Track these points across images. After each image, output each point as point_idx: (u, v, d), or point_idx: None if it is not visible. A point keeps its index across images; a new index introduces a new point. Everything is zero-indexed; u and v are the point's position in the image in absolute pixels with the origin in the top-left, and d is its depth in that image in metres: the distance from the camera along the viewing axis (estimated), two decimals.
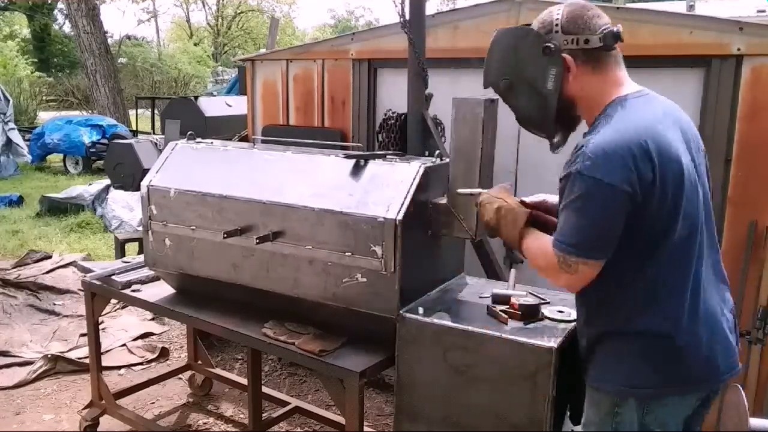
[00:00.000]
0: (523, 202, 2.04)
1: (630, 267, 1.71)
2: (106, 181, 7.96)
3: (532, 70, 1.82)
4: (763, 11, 4.66)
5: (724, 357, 1.76)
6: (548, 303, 2.30)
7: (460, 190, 2.29)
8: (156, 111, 13.01)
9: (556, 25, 1.77)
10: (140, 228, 3.73)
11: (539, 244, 1.86)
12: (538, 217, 1.99)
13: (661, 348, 1.71)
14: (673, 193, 1.65)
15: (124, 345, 4.60)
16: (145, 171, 3.11)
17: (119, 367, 4.33)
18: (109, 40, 18.60)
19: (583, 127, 1.87)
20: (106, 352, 4.31)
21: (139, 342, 4.67)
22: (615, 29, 1.75)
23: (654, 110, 1.75)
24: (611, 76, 1.79)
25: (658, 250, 1.69)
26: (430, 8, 3.30)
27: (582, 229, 1.67)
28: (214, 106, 8.16)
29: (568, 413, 2.38)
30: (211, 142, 3.03)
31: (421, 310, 2.29)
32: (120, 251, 5.31)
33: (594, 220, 1.65)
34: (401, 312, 2.27)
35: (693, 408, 1.79)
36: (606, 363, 1.79)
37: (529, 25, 1.88)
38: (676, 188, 1.66)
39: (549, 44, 1.77)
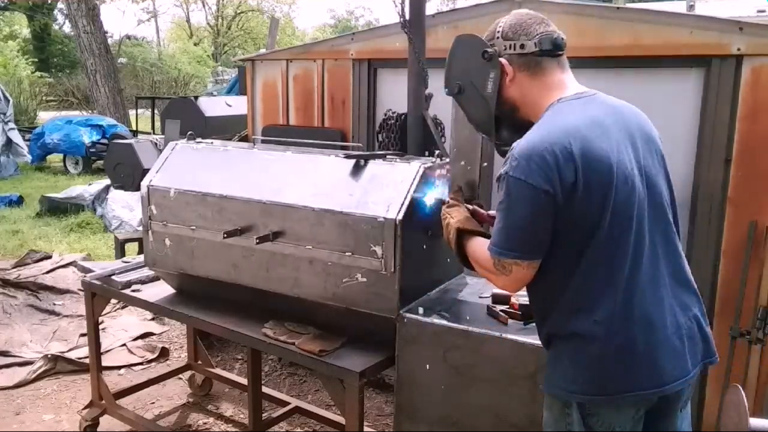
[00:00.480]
0: (475, 211, 2.12)
1: (562, 269, 1.72)
2: (106, 181, 7.96)
3: (476, 74, 1.89)
4: (763, 11, 4.66)
5: (670, 362, 1.70)
6: None
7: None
8: (156, 111, 13.01)
9: (498, 32, 1.86)
10: (140, 228, 3.73)
11: (476, 248, 1.90)
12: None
13: (593, 351, 1.68)
14: (600, 194, 1.65)
15: (124, 345, 4.60)
16: (145, 171, 3.11)
17: (119, 367, 4.33)
18: (109, 40, 18.60)
19: None
20: (106, 352, 4.31)
21: (139, 342, 4.67)
22: (555, 35, 1.82)
23: (588, 112, 1.76)
24: (550, 81, 1.82)
25: (586, 251, 1.68)
26: (430, 8, 3.30)
27: (510, 230, 1.71)
28: (214, 106, 8.15)
29: None
30: (211, 142, 3.03)
31: (421, 310, 2.29)
32: (120, 251, 5.31)
33: (520, 220, 1.69)
34: (401, 312, 2.28)
35: (636, 416, 1.72)
36: (552, 366, 1.78)
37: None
38: (603, 189, 1.65)
39: (488, 49, 1.85)
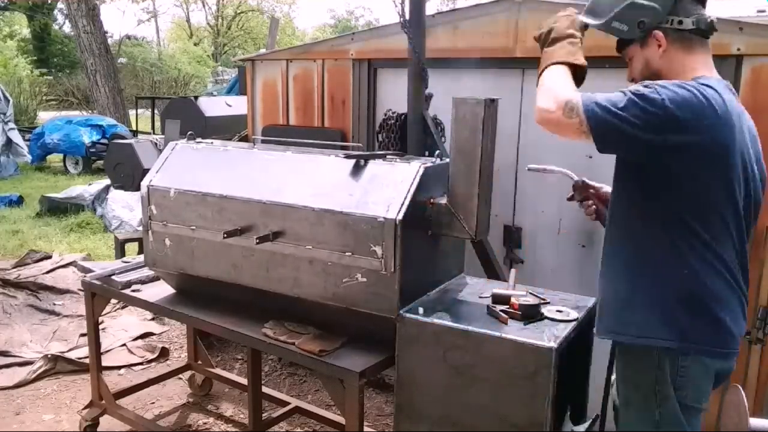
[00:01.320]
0: (585, 183, 2.29)
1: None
2: (106, 181, 7.96)
3: (626, 34, 1.97)
4: (763, 11, 4.66)
5: None
6: (548, 303, 2.30)
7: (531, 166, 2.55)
8: (156, 111, 13.01)
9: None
10: (140, 228, 3.73)
11: (566, 80, 1.93)
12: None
13: None
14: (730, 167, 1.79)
15: (124, 345, 4.60)
16: (145, 171, 3.11)
17: (119, 367, 4.33)
18: (109, 40, 18.60)
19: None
20: (106, 352, 4.31)
21: (139, 342, 4.67)
22: (710, 18, 1.91)
23: (731, 96, 1.87)
24: (696, 60, 1.93)
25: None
26: (430, 8, 3.30)
27: (614, 104, 1.76)
28: (214, 106, 8.16)
29: (569, 413, 2.39)
30: (211, 142, 3.03)
31: (421, 310, 2.29)
32: (120, 251, 5.31)
33: (631, 109, 1.74)
34: (401, 312, 2.27)
35: None
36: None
37: None
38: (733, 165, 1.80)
39: (643, 20, 1.91)
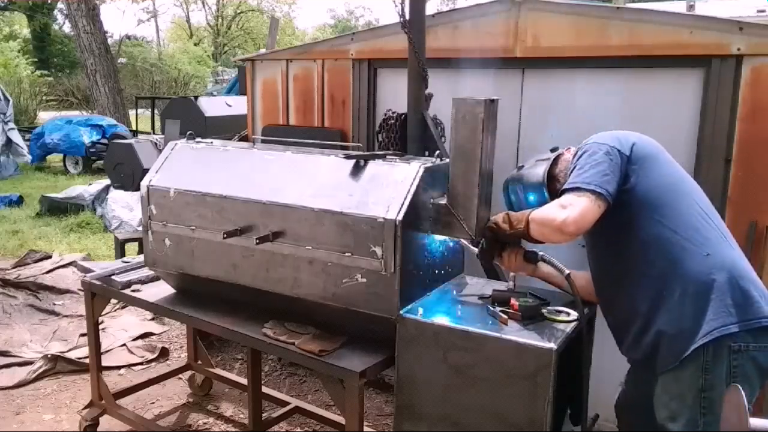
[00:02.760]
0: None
1: None
2: (106, 181, 7.96)
3: None
4: (763, 11, 4.66)
5: None
6: (548, 303, 2.30)
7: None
8: (156, 111, 13.00)
9: None
10: (140, 228, 3.73)
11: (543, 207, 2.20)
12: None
13: None
14: None
15: (124, 345, 4.60)
16: (145, 171, 3.11)
17: (119, 367, 4.33)
18: (109, 40, 18.60)
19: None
20: (106, 352, 4.31)
21: (139, 342, 4.67)
22: None
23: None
24: None
25: None
26: (430, 8, 3.30)
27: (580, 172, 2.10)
28: (214, 106, 8.14)
29: (568, 413, 2.38)
30: (211, 142, 3.03)
31: (421, 310, 2.29)
32: (120, 251, 5.31)
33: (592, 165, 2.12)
34: (401, 312, 2.27)
35: None
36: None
37: None
38: None
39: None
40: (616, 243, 2.14)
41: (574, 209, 2.01)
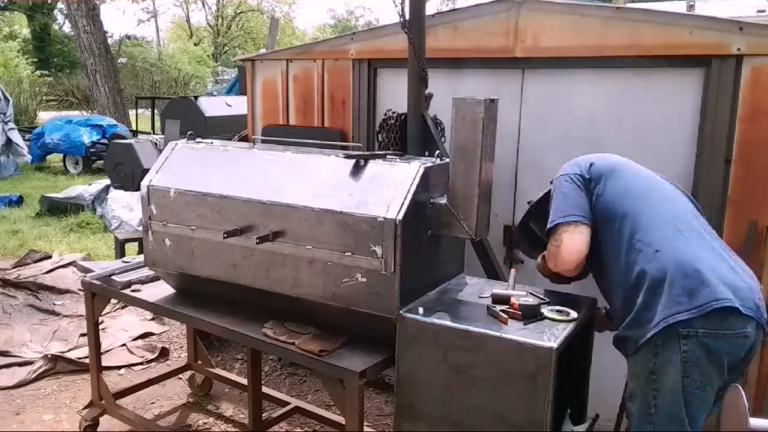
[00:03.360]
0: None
1: None
2: (106, 181, 7.96)
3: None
4: (763, 11, 4.66)
5: None
6: (548, 303, 2.30)
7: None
8: (156, 111, 13.00)
9: None
10: (140, 228, 3.73)
11: None
12: None
13: None
14: None
15: (124, 345, 4.60)
16: (145, 171, 3.11)
17: (119, 367, 4.33)
18: (109, 40, 18.60)
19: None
20: (106, 352, 4.31)
21: (139, 342, 4.67)
22: None
23: None
24: None
25: None
26: (430, 8, 3.30)
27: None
28: (214, 106, 8.14)
29: (568, 413, 2.38)
30: (211, 142, 3.03)
31: (420, 310, 2.29)
32: (120, 251, 5.31)
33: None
34: (401, 312, 2.27)
35: None
36: None
37: None
38: None
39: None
40: (596, 256, 2.25)
41: (560, 248, 2.22)
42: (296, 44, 7.09)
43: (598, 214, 2.24)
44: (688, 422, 2.03)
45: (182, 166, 2.87)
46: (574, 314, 2.23)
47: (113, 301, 4.39)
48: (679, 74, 2.94)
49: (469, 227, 2.33)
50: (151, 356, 4.47)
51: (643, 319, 2.07)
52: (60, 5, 25.77)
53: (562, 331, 2.11)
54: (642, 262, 2.10)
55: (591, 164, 2.31)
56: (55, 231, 7.76)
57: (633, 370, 2.15)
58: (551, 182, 2.44)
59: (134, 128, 13.97)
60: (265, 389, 3.35)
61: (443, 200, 2.38)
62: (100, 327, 3.86)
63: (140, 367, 4.37)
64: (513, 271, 2.54)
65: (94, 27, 14.18)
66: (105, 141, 11.25)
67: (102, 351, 3.56)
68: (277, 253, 2.54)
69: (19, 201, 9.31)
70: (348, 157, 2.55)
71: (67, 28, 28.32)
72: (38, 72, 22.91)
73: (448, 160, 2.41)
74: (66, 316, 5.05)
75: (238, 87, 10.96)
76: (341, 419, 2.82)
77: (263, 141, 3.47)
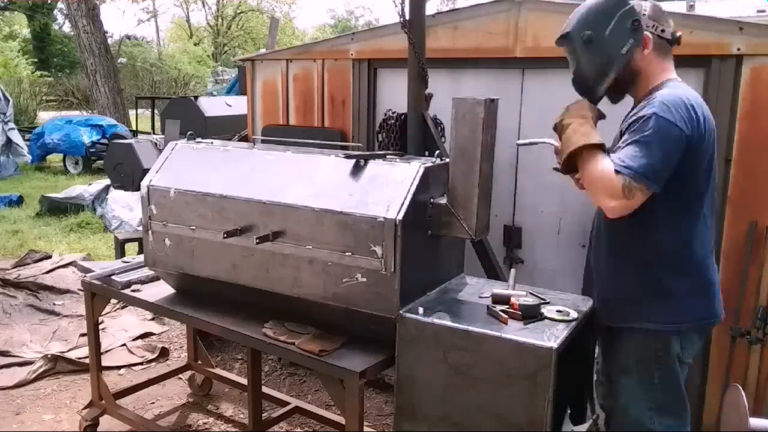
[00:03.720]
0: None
1: (676, 215, 2.12)
2: (106, 181, 7.96)
3: (616, 34, 2.12)
4: (763, 11, 4.66)
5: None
6: (548, 303, 2.30)
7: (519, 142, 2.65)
8: (156, 111, 13.00)
9: (644, 11, 2.16)
10: (140, 228, 3.73)
11: (605, 166, 2.04)
12: None
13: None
14: (707, 158, 2.08)
15: (124, 345, 4.60)
16: (145, 171, 3.11)
17: (119, 367, 4.33)
18: (109, 40, 18.60)
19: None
20: (106, 352, 4.31)
21: (139, 342, 4.67)
22: (679, 33, 2.22)
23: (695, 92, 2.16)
24: (667, 64, 2.22)
25: (693, 204, 2.13)
26: (430, 8, 3.30)
27: (649, 159, 1.97)
28: (214, 106, 8.15)
29: (569, 413, 2.39)
30: (211, 142, 3.03)
31: (421, 310, 2.29)
32: (120, 251, 5.31)
33: (659, 153, 1.98)
34: (401, 312, 2.27)
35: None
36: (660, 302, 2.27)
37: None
38: (709, 155, 2.09)
39: (639, 19, 2.12)
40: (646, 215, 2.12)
41: (630, 203, 2.00)
42: (296, 44, 7.10)
43: (675, 177, 2.04)
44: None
45: (182, 166, 2.87)
46: (574, 314, 2.23)
47: (113, 301, 4.39)
48: (679, 74, 2.92)
49: (469, 227, 2.33)
50: (151, 356, 4.47)
51: (677, 309, 2.15)
52: (60, 5, 25.79)
53: (562, 331, 2.11)
54: (702, 250, 2.17)
55: (695, 127, 2.02)
56: (55, 231, 7.76)
57: (629, 345, 2.22)
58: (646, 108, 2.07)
59: (134, 128, 13.98)
60: (265, 389, 3.35)
61: (443, 200, 2.38)
62: (100, 327, 3.86)
63: (140, 367, 4.37)
64: (513, 271, 2.54)
65: (94, 27, 14.18)
66: (105, 141, 11.25)
67: (102, 351, 3.56)
68: (277, 253, 2.54)
69: (19, 201, 9.31)
70: (348, 157, 2.55)
71: (67, 28, 28.34)
72: (38, 72, 22.92)
73: (448, 160, 2.41)
74: (66, 316, 5.05)
75: (238, 87, 10.97)
76: (341, 419, 2.82)
77: (263, 141, 3.48)
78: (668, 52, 2.21)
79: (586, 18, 2.17)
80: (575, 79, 2.25)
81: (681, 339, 2.17)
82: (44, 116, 18.62)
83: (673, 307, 2.15)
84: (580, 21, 2.18)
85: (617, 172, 1.98)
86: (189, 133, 3.06)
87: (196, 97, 8.35)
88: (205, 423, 3.68)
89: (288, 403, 3.47)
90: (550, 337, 2.06)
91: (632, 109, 2.18)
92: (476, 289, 2.56)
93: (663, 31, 2.17)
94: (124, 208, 7.56)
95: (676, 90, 2.09)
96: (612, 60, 2.14)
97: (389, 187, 2.34)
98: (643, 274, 2.17)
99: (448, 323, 2.19)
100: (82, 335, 4.48)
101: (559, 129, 2.24)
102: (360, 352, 2.41)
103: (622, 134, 2.12)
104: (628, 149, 2.01)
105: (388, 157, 2.53)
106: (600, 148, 2.09)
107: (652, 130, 1.98)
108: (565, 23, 2.25)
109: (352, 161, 2.49)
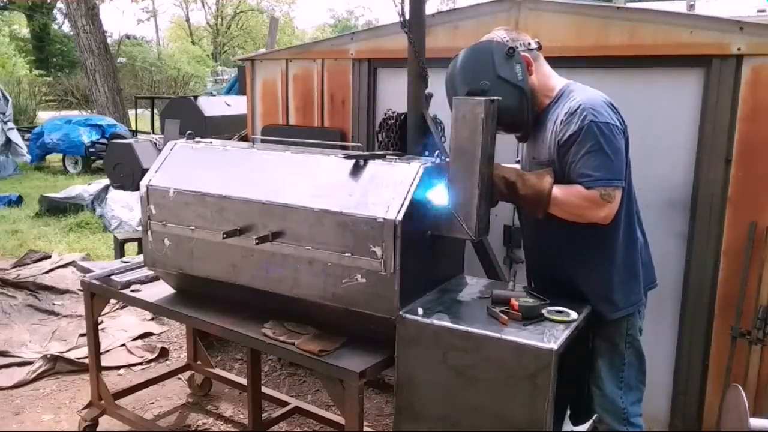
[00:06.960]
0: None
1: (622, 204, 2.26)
2: (106, 181, 7.96)
3: (504, 70, 2.27)
4: (763, 11, 4.66)
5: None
6: (548, 303, 2.30)
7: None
8: (155, 111, 13.00)
9: (504, 38, 2.34)
10: (139, 228, 3.72)
11: (571, 191, 2.20)
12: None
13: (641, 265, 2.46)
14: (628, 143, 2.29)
15: (123, 345, 4.59)
16: (145, 171, 3.11)
17: (119, 367, 4.32)
18: (109, 40, 18.58)
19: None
20: (106, 352, 4.31)
21: (139, 342, 4.67)
22: (536, 39, 2.40)
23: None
24: (548, 70, 2.40)
25: (629, 190, 2.32)
26: (430, 8, 3.29)
27: (607, 161, 2.14)
28: (213, 105, 8.14)
29: (569, 413, 2.38)
30: (211, 142, 3.02)
31: (420, 310, 2.28)
32: (119, 251, 5.31)
33: (615, 153, 2.16)
34: (401, 312, 2.27)
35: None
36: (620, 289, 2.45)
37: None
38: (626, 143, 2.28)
39: (511, 47, 2.29)
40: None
41: (614, 204, 2.18)
42: (296, 44, 7.09)
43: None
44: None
45: (181, 166, 2.87)
46: (574, 315, 2.23)
47: (113, 301, 4.39)
48: (679, 74, 2.94)
49: (469, 228, 2.33)
50: (150, 356, 4.47)
51: (636, 288, 2.37)
52: (59, 5, 25.76)
53: (562, 333, 2.11)
54: (639, 236, 2.38)
55: (620, 119, 2.25)
56: (55, 231, 7.76)
57: (609, 331, 2.38)
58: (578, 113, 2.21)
59: (134, 128, 13.98)
60: (264, 389, 3.35)
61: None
62: (100, 327, 3.86)
63: (140, 367, 4.37)
64: (513, 271, 2.54)
65: (93, 26, 14.17)
66: (104, 141, 11.25)
67: (101, 351, 3.55)
68: (276, 253, 2.53)
69: (19, 201, 9.31)
70: (348, 157, 2.54)
71: (66, 27, 28.33)
72: (37, 72, 22.91)
73: (448, 160, 2.40)
74: (65, 316, 5.05)
75: (238, 87, 10.95)
76: (341, 419, 2.82)
77: (263, 141, 3.47)
78: (540, 57, 2.38)
79: (472, 75, 2.30)
80: (501, 122, 2.29)
81: (639, 310, 2.41)
82: (43, 116, 18.62)
83: (635, 287, 2.37)
84: (466, 80, 2.31)
85: (589, 187, 2.15)
86: (188, 132, 3.06)
87: (195, 97, 8.34)
88: (204, 423, 3.68)
89: (288, 404, 3.47)
90: (550, 338, 2.06)
91: (543, 112, 2.34)
92: (476, 289, 2.56)
93: (529, 44, 2.35)
94: (124, 208, 7.56)
95: (585, 92, 2.26)
96: (519, 90, 2.27)
97: (389, 187, 2.34)
98: (613, 268, 2.33)
99: (448, 324, 2.18)
100: (82, 335, 4.48)
101: (504, 195, 2.33)
102: (360, 352, 2.41)
103: (560, 144, 2.22)
104: (585, 162, 2.16)
105: (387, 157, 2.53)
106: (551, 185, 2.23)
107: (597, 136, 2.13)
108: (448, 90, 2.44)
109: (352, 161, 2.49)
